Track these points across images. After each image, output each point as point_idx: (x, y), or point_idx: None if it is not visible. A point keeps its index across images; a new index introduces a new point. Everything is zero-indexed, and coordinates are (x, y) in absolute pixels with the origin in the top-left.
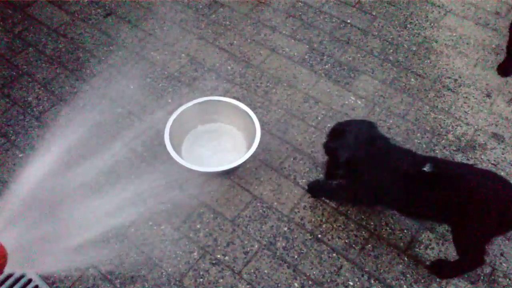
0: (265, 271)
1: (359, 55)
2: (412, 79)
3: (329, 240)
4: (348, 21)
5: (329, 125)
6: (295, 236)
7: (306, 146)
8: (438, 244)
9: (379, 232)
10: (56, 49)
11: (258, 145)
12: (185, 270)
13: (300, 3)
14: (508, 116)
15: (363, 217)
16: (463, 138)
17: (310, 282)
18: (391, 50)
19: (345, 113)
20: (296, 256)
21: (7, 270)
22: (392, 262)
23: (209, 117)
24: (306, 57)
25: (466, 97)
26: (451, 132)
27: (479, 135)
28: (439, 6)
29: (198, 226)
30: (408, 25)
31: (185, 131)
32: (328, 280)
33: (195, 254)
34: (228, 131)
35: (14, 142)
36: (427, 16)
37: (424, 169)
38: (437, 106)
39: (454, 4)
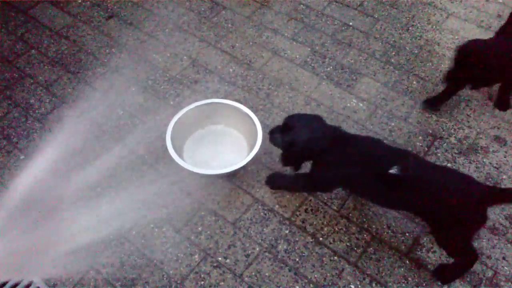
0: (266, 274)
1: (361, 57)
2: (414, 82)
3: (330, 243)
4: (350, 23)
5: None
6: (297, 239)
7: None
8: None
9: (381, 235)
10: (59, 51)
11: (260, 148)
12: (186, 273)
13: (302, 5)
14: (510, 119)
15: (364, 220)
16: (465, 141)
17: (311, 285)
18: (393, 53)
19: (347, 115)
20: (297, 259)
21: (4, 277)
22: (394, 266)
23: (210, 119)
24: (308, 59)
25: (468, 100)
26: (453, 135)
27: (481, 138)
28: (441, 9)
29: (200, 228)
30: (410, 28)
31: (187, 133)
32: (330, 283)
33: (196, 256)
34: (230, 134)
35: (16, 144)
36: (429, 19)
37: (391, 171)
38: (439, 109)
39: (456, 7)
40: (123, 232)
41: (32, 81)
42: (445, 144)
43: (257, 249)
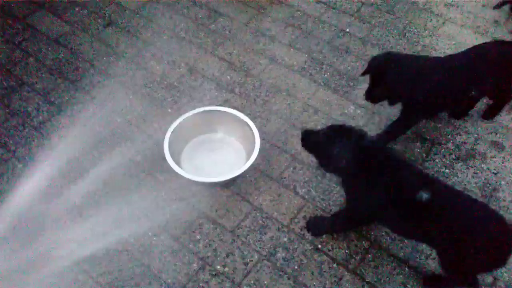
0: (265, 282)
1: (358, 64)
2: None
3: (329, 250)
4: (347, 30)
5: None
6: (295, 246)
7: (305, 156)
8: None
9: (380, 242)
10: (56, 59)
11: (258, 155)
12: (185, 282)
13: (299, 12)
14: (508, 124)
15: (363, 227)
16: (463, 147)
17: None
18: None
19: (345, 122)
20: (296, 267)
21: None
22: (393, 273)
23: (208, 127)
24: (305, 66)
25: None
26: (451, 141)
27: (479, 143)
28: (437, 15)
29: (198, 237)
30: (407, 34)
31: (185, 141)
32: None
33: (194, 265)
34: (228, 141)
35: (14, 153)
36: (425, 25)
37: (420, 197)
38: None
39: (452, 13)
40: (121, 240)
41: (29, 89)
42: (443, 150)
43: (256, 257)
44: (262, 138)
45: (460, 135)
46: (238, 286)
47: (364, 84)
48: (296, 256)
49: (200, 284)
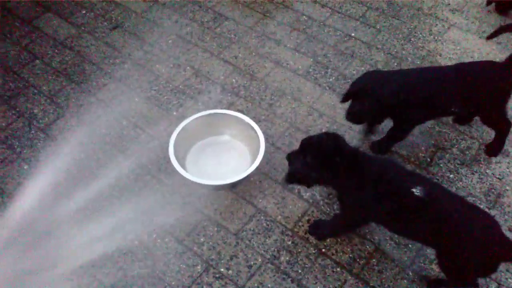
0: (269, 285)
1: (363, 68)
2: None
3: (333, 254)
4: (352, 34)
5: None
6: (299, 250)
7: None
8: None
9: (384, 247)
10: (63, 62)
11: (262, 158)
12: (189, 284)
13: (304, 16)
14: None
15: (367, 231)
16: (467, 152)
17: None
18: (395, 64)
19: (349, 126)
20: (300, 271)
21: None
22: (397, 277)
23: (213, 130)
24: (310, 70)
25: None
26: (456, 146)
27: (483, 149)
28: (442, 20)
29: (202, 239)
30: (412, 39)
31: (190, 144)
32: None
33: (198, 267)
34: (233, 144)
35: (20, 154)
36: (431, 30)
37: (414, 191)
38: (441, 120)
39: (457, 18)
40: (125, 242)
41: (36, 91)
42: (447, 155)
43: (260, 260)
44: (266, 141)
45: (464, 140)
46: None
47: None
48: (300, 259)
49: (204, 287)
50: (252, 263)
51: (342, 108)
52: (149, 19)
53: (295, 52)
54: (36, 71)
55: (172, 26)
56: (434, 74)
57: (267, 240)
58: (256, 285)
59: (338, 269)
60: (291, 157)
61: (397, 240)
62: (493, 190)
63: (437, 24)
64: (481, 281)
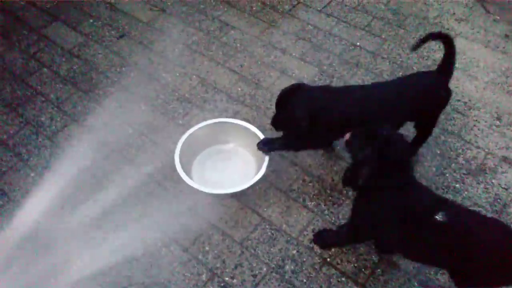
0: None
1: (368, 77)
2: None
3: (338, 263)
4: (358, 43)
5: (338, 147)
6: (304, 259)
7: (315, 169)
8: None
9: (389, 256)
10: (70, 70)
11: (267, 167)
12: None
13: (310, 26)
14: None
15: (372, 240)
16: (473, 162)
17: None
18: (401, 73)
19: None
20: (304, 280)
21: None
22: (402, 287)
23: (219, 138)
24: (315, 79)
25: (476, 120)
26: (461, 155)
27: (489, 158)
28: (448, 29)
29: (207, 248)
30: (418, 48)
31: (195, 152)
32: None
33: (203, 276)
34: (238, 153)
35: (27, 162)
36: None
37: (437, 217)
38: (447, 129)
39: (463, 27)
40: (130, 250)
41: (43, 99)
42: (453, 165)
43: (264, 269)
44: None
45: (470, 150)
46: None
47: None
48: (305, 269)
49: None
50: (257, 272)
51: None
52: (156, 28)
53: (300, 61)
54: (43, 79)
55: (178, 35)
56: (361, 93)
57: (272, 249)
58: None
59: (343, 279)
60: (351, 141)
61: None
62: (499, 200)
63: None
64: None
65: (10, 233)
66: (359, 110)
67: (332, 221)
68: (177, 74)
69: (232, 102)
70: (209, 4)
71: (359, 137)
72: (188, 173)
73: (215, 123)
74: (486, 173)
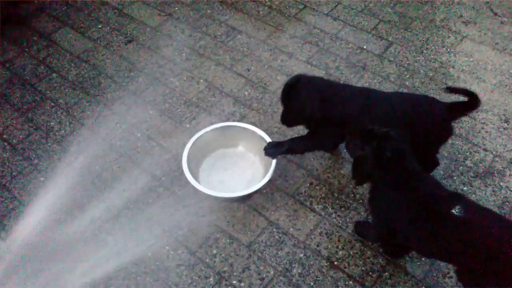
0: None
1: (375, 80)
2: None
3: (345, 267)
4: (364, 47)
5: (345, 151)
6: (311, 262)
7: (322, 172)
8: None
9: (397, 260)
10: (79, 75)
11: (275, 171)
12: None
13: (316, 29)
14: None
15: (380, 243)
16: (481, 164)
17: None
18: (408, 76)
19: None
20: (312, 283)
21: None
22: None
23: (226, 142)
24: None
25: (484, 123)
26: (469, 158)
27: (497, 161)
28: (455, 32)
29: (214, 251)
30: (425, 51)
31: (203, 156)
32: None
33: (211, 279)
34: (245, 156)
35: (36, 166)
36: (443, 42)
37: (454, 211)
38: (454, 132)
39: (470, 30)
40: (138, 253)
41: (52, 103)
42: (461, 167)
43: (272, 272)
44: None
45: (478, 152)
46: None
47: None
48: (312, 272)
49: None
50: (264, 275)
51: None
52: (163, 33)
53: (307, 64)
54: (53, 84)
55: (185, 40)
56: (369, 97)
57: (279, 252)
58: None
59: (351, 282)
60: (350, 143)
61: (410, 254)
62: (507, 203)
63: (449, 36)
64: None
65: (19, 236)
66: (360, 108)
67: (340, 225)
68: (185, 79)
69: (239, 106)
70: (216, 9)
71: (356, 137)
72: (195, 176)
73: (222, 127)
74: (494, 176)
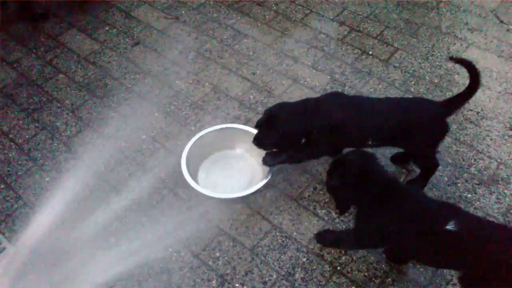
0: None
1: (380, 86)
2: None
3: (348, 272)
4: (370, 52)
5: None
6: (314, 267)
7: (326, 176)
8: None
9: (400, 266)
10: (85, 76)
11: (278, 174)
12: None
13: (322, 34)
14: None
15: (383, 249)
16: (485, 172)
17: None
18: (413, 82)
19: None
20: None
21: None
22: None
23: (226, 144)
24: (327, 87)
25: (489, 130)
26: (474, 165)
27: (502, 169)
28: (461, 39)
29: (217, 254)
30: (430, 57)
31: (202, 157)
32: None
33: (213, 282)
34: (246, 158)
35: (42, 166)
36: (449, 49)
37: (448, 227)
38: (459, 139)
39: (476, 37)
40: (141, 255)
41: (59, 104)
42: (465, 174)
43: (274, 276)
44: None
45: (482, 160)
46: None
47: None
48: (315, 277)
49: None
50: (267, 279)
51: None
52: (170, 36)
53: (312, 69)
54: (59, 85)
55: (192, 43)
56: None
57: (282, 256)
58: None
59: (353, 287)
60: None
61: (413, 260)
62: (511, 210)
63: (455, 43)
64: None
65: (24, 237)
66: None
67: (343, 229)
68: (190, 81)
69: (244, 109)
70: (222, 12)
71: (331, 169)
72: (195, 178)
73: (222, 128)
74: (499, 184)
